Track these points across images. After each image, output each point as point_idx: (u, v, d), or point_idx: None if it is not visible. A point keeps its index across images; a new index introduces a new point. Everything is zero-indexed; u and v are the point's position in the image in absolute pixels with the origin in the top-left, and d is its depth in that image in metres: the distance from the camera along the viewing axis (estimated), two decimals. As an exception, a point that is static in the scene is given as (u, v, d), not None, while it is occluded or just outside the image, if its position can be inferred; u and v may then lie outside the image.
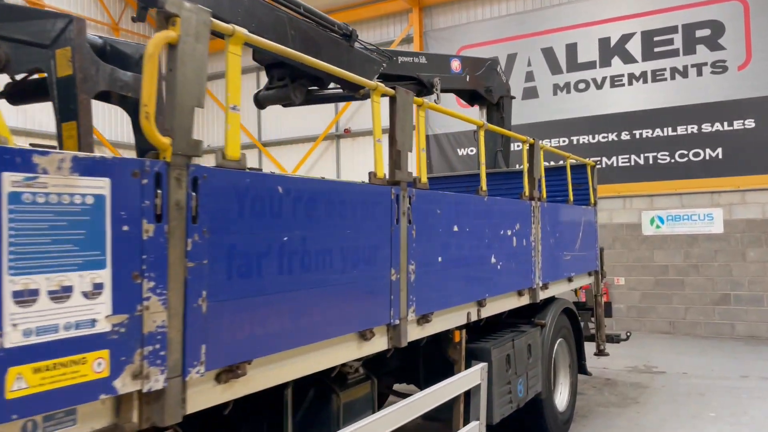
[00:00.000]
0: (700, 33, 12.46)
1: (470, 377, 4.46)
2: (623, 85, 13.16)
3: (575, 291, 7.44)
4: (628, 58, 13.10)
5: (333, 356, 2.98)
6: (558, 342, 6.29)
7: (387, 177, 3.41)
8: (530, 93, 14.06)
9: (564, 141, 13.63)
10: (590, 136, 13.39)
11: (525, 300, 5.34)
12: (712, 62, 12.36)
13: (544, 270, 5.65)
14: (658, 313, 12.63)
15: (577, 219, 6.72)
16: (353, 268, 3.01)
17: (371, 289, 3.18)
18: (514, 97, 9.29)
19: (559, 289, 6.21)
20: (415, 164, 4.81)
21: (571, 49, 13.69)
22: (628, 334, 8.46)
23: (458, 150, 14.84)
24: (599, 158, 13.23)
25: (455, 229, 4.05)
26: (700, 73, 12.46)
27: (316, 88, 5.93)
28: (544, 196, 5.77)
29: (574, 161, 7.78)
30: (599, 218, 13.36)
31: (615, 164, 13.13)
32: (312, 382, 3.26)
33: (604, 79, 13.34)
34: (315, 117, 16.32)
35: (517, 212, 5.10)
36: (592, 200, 7.39)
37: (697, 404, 7.25)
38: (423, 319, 3.70)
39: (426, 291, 3.65)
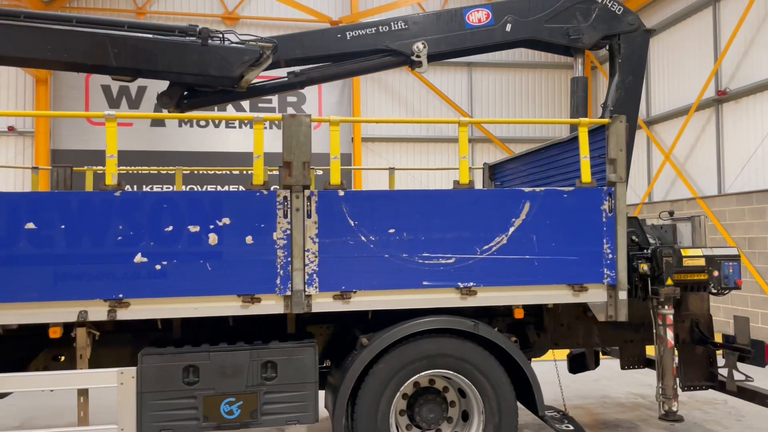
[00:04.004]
0: None
1: (96, 377, 4.38)
2: None
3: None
4: None
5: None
6: (423, 374, 4.66)
7: None
8: None
9: None
10: None
11: (264, 308, 4.40)
12: None
13: (328, 275, 4.43)
14: None
15: (487, 209, 4.52)
16: None
17: None
18: (650, 31, 6.18)
19: (416, 302, 4.52)
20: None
21: None
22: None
23: None
24: None
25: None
26: None
27: (190, 93, 6.04)
28: (332, 182, 4.48)
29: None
30: None
31: None
32: None
33: None
34: (690, 83, 13.39)
35: (208, 206, 4.39)
36: (586, 178, 4.55)
37: None
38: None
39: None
